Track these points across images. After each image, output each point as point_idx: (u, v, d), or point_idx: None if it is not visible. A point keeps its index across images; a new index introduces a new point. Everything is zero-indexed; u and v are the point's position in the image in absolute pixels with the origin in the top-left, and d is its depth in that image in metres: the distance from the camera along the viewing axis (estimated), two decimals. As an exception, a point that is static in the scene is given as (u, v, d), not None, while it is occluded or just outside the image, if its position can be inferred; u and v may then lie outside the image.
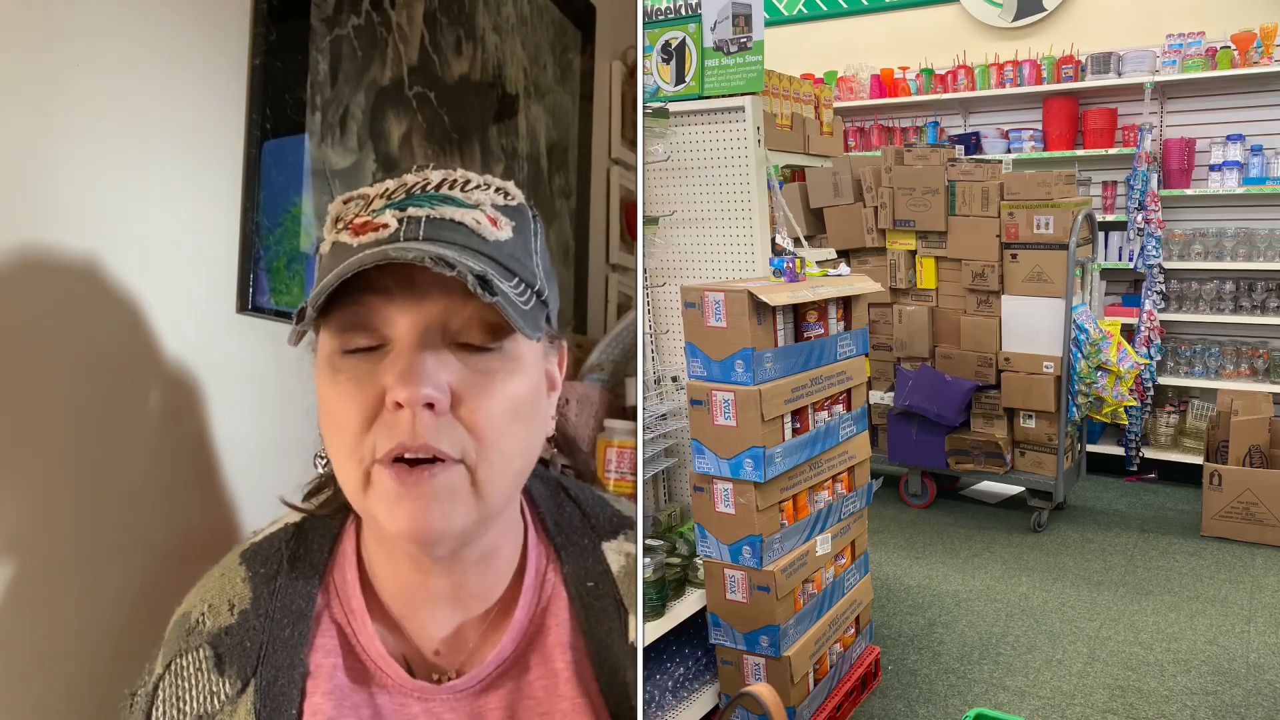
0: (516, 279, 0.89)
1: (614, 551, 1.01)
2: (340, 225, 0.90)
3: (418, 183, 0.91)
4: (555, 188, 2.49)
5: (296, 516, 1.01)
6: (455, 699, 0.93)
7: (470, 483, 0.84)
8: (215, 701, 0.90)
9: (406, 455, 0.81)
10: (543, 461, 1.03)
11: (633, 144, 2.90)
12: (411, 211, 0.87)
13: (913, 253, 3.97)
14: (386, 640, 0.95)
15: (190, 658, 0.93)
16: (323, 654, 0.93)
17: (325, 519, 1.00)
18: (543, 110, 2.42)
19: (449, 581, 0.93)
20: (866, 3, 5.26)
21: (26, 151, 1.11)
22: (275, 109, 1.49)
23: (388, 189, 0.91)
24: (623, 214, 2.85)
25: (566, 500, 1.05)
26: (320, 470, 1.02)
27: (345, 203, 0.93)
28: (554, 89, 2.49)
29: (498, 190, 0.93)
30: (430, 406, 0.81)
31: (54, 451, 1.15)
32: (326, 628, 0.94)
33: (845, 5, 5.31)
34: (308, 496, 1.04)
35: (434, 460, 0.82)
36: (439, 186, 0.90)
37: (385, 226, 0.86)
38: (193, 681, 0.92)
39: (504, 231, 0.90)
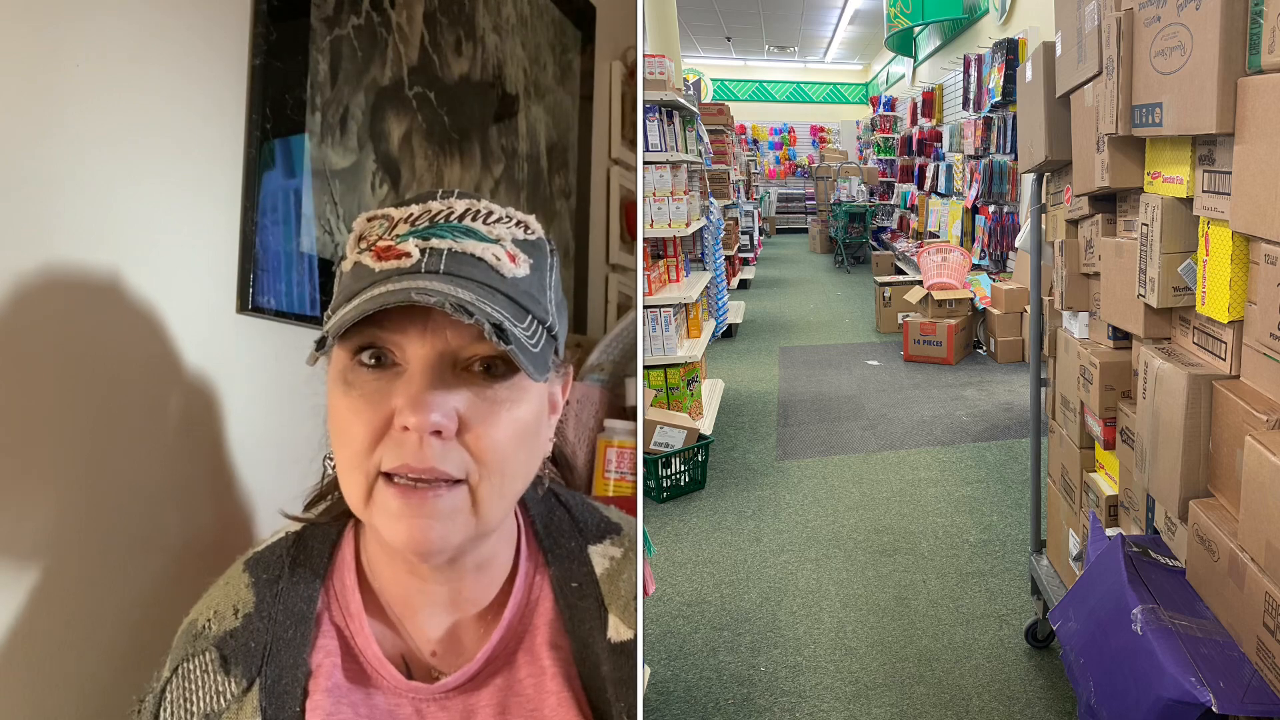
0: (530, 317, 0.91)
1: (599, 555, 1.04)
2: (363, 245, 0.92)
3: (442, 211, 0.93)
4: (555, 188, 2.49)
5: (297, 526, 1.04)
6: (447, 698, 0.96)
7: (471, 502, 0.87)
8: (221, 700, 0.93)
9: (410, 475, 0.84)
10: (537, 478, 1.06)
11: (633, 144, 2.90)
12: (434, 243, 0.89)
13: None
14: (385, 641, 0.97)
15: (196, 661, 0.95)
16: (323, 654, 0.95)
17: (325, 526, 1.03)
18: (543, 110, 2.42)
19: (447, 588, 0.97)
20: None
21: (24, 153, 1.10)
22: (275, 109, 1.49)
23: (412, 214, 0.93)
24: (623, 214, 2.85)
25: (557, 506, 1.08)
26: (329, 472, 1.04)
27: (369, 220, 0.95)
28: (554, 89, 2.49)
29: (518, 224, 0.95)
30: (437, 433, 0.83)
31: (72, 456, 1.16)
32: (327, 629, 0.97)
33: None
34: (310, 504, 1.07)
35: (436, 481, 0.85)
36: (462, 217, 0.92)
37: (408, 255, 0.88)
38: (199, 682, 0.94)
39: (521, 268, 0.92)
